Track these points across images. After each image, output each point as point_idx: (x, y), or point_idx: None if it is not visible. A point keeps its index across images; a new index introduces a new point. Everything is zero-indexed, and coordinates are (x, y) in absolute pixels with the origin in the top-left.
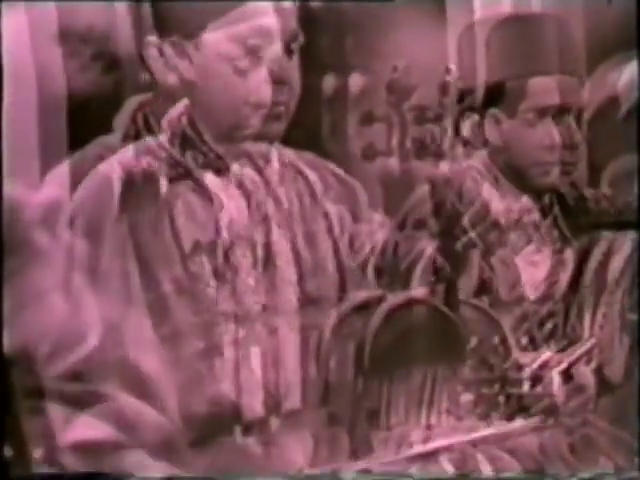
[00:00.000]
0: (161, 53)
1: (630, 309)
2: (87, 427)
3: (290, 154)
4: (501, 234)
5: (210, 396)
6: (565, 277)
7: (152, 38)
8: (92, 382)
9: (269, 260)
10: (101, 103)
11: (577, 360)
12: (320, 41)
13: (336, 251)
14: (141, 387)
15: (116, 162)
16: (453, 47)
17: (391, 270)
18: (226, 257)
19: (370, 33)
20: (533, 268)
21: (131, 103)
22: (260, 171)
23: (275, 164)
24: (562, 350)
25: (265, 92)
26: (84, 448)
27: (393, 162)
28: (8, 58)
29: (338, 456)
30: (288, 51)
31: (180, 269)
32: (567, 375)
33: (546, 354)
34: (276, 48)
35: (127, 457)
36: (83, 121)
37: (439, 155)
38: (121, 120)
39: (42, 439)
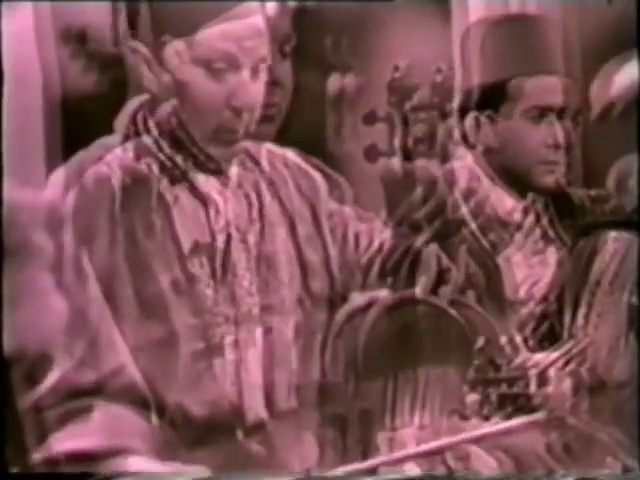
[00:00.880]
0: (155, 54)
1: (625, 308)
2: (76, 437)
3: (291, 154)
4: (500, 233)
5: (210, 397)
6: (558, 277)
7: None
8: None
9: (265, 261)
10: (101, 104)
11: (568, 360)
12: (320, 41)
13: (341, 251)
14: (129, 394)
15: (115, 163)
16: (456, 47)
17: (393, 270)
18: (223, 258)
19: (370, 33)
20: (527, 268)
21: (131, 104)
22: (255, 171)
23: (269, 164)
24: (553, 350)
25: (251, 96)
26: (76, 458)
27: (395, 162)
28: (11, 58)
29: (344, 457)
30: (282, 53)
31: (179, 270)
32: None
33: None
34: (269, 51)
35: (119, 463)
36: (84, 122)
37: (439, 155)
38: (121, 121)
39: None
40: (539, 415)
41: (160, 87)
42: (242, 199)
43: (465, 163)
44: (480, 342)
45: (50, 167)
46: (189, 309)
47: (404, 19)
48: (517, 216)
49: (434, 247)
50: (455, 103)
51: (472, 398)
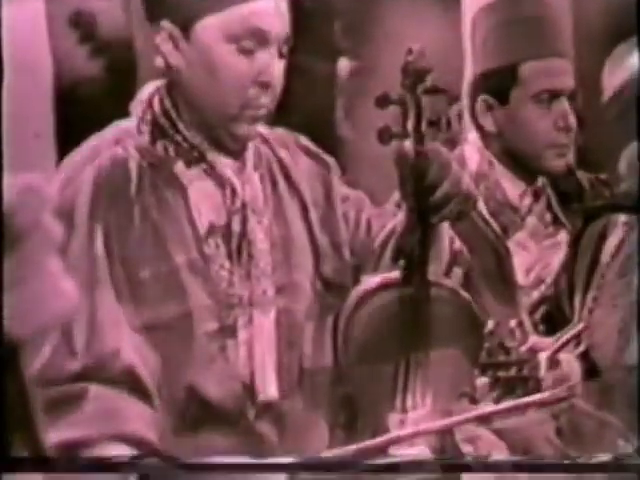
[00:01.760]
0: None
1: (636, 291)
2: (70, 426)
3: (303, 138)
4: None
5: (223, 378)
6: (569, 261)
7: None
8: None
9: (279, 243)
10: (117, 87)
11: (566, 344)
12: (329, 25)
13: (354, 234)
14: (125, 380)
15: (131, 146)
16: (467, 30)
17: (405, 253)
18: (239, 240)
19: (380, 17)
20: (537, 252)
21: (148, 88)
22: (269, 154)
23: (282, 148)
24: (564, 334)
25: (277, 73)
26: (70, 447)
27: (408, 145)
28: (22, 43)
29: (354, 438)
30: (280, 55)
31: (195, 251)
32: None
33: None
34: (269, 52)
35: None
36: (92, 107)
37: (451, 139)
38: (138, 104)
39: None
40: (546, 395)
41: (187, 65)
42: (258, 181)
43: (475, 147)
44: (490, 325)
45: (60, 151)
46: (204, 290)
47: (415, 2)
48: (527, 200)
49: (447, 229)
50: (465, 87)
51: (482, 381)
